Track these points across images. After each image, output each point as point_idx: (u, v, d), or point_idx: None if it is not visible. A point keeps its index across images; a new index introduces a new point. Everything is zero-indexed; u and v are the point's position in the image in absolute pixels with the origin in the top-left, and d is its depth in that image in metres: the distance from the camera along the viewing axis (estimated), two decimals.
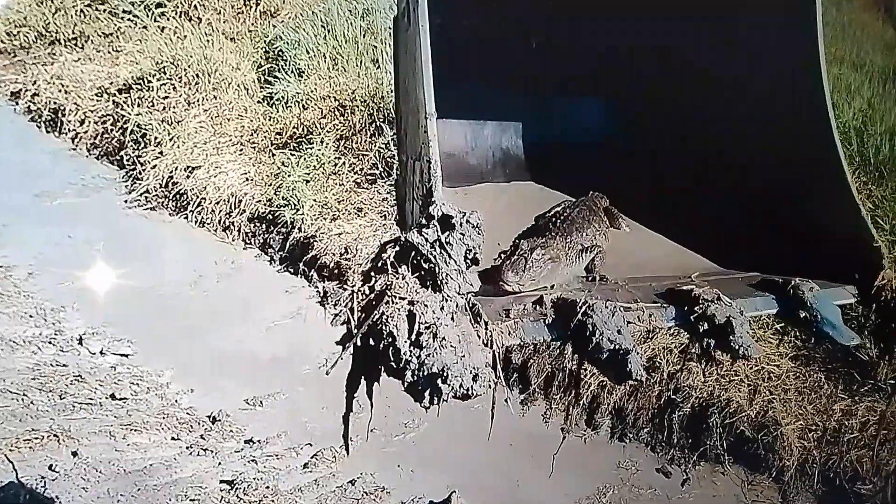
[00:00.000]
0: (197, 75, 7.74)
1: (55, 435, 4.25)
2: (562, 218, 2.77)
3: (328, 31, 7.97)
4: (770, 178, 2.63)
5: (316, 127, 7.09)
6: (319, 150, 6.81)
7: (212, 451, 4.35)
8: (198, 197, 6.92)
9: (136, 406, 4.70)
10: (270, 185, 6.84)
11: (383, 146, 6.68)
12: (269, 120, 7.44)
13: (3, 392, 4.58)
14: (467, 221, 1.76)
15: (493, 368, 1.69)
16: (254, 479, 4.14)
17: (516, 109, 3.35)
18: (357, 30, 7.87)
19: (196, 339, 5.50)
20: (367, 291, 1.71)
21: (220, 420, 4.64)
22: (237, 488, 4.03)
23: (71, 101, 8.00)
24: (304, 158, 6.80)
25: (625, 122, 3.31)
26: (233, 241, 6.79)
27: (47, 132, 8.06)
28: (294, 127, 7.23)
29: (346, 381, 1.76)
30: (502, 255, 2.40)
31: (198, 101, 7.62)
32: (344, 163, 6.77)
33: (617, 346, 1.76)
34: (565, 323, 1.87)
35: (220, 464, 4.27)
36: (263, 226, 6.74)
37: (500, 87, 3.23)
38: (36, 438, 4.21)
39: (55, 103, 8.08)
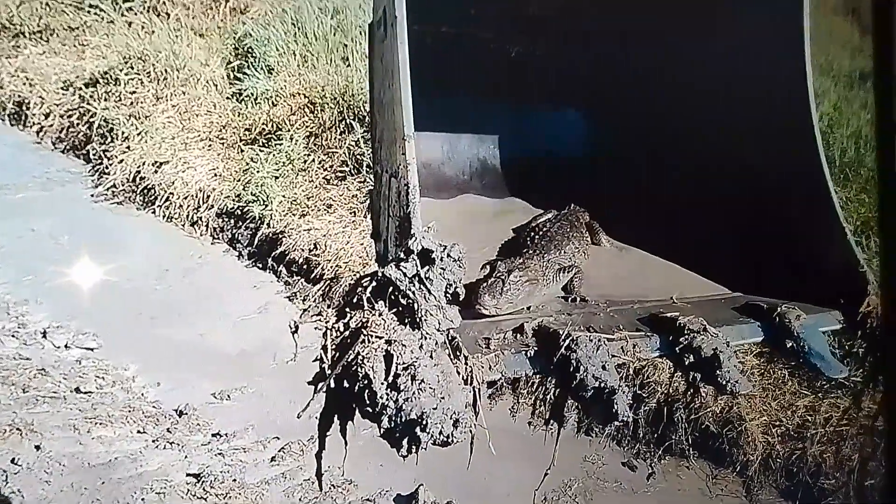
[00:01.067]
0: (165, 70, 7.63)
1: (18, 429, 4.15)
2: (540, 234, 2.71)
3: (298, 28, 7.92)
4: (754, 196, 2.56)
5: (285, 123, 7.04)
6: (289, 146, 6.77)
7: (178, 445, 4.29)
8: (166, 192, 6.83)
9: (101, 399, 4.62)
10: (239, 180, 6.78)
11: (353, 143, 6.66)
12: (239, 116, 7.37)
13: None
14: (448, 255, 1.67)
15: (473, 405, 1.62)
16: (221, 472, 4.09)
17: (494, 121, 3.29)
18: (327, 28, 7.84)
19: (162, 334, 5.43)
20: (342, 328, 1.62)
21: (186, 413, 4.58)
22: (204, 481, 3.98)
23: (36, 95, 7.83)
24: (274, 155, 6.75)
25: (605, 135, 3.26)
26: (201, 235, 6.72)
27: (11, 125, 7.86)
28: (263, 123, 7.17)
29: (318, 420, 1.68)
30: (480, 276, 2.32)
31: (166, 96, 7.51)
32: (313, 159, 6.73)
33: (602, 384, 1.69)
34: (548, 356, 1.79)
35: (186, 457, 4.22)
36: (232, 221, 6.69)
37: (478, 98, 3.16)
38: None
39: (19, 96, 7.90)
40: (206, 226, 6.70)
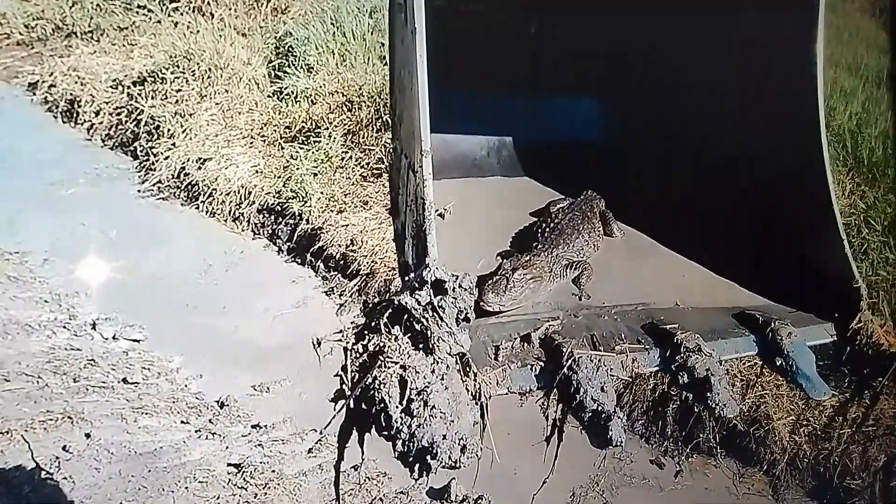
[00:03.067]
0: (209, 69, 7.70)
1: (69, 417, 4.27)
2: (551, 226, 2.70)
3: (337, 27, 7.93)
4: (759, 197, 2.56)
5: (324, 121, 7.06)
6: (327, 144, 6.80)
7: (219, 436, 4.37)
8: (209, 188, 6.91)
9: (147, 390, 4.72)
10: (279, 177, 6.83)
11: (389, 141, 6.66)
12: (279, 114, 7.41)
13: (19, 375, 4.60)
14: (460, 286, 1.73)
15: (481, 418, 1.71)
16: (260, 463, 4.16)
17: (511, 105, 3.28)
18: (365, 27, 7.84)
19: (205, 326, 5.51)
20: (361, 350, 1.70)
21: (227, 405, 4.66)
22: (244, 472, 4.05)
23: (87, 93, 7.97)
24: (313, 152, 6.78)
25: (620, 122, 3.24)
26: (242, 231, 6.78)
27: (63, 122, 8.03)
28: (303, 121, 7.20)
29: (338, 431, 1.76)
30: (499, 265, 2.35)
31: (210, 94, 7.58)
32: (351, 157, 6.75)
33: (599, 408, 1.74)
34: (552, 373, 1.85)
35: (227, 448, 4.29)
36: (272, 217, 6.74)
37: (496, 82, 3.14)
38: (50, 420, 4.23)
39: (71, 94, 8.05)
40: (248, 221, 6.76)
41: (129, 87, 7.87)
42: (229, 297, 5.91)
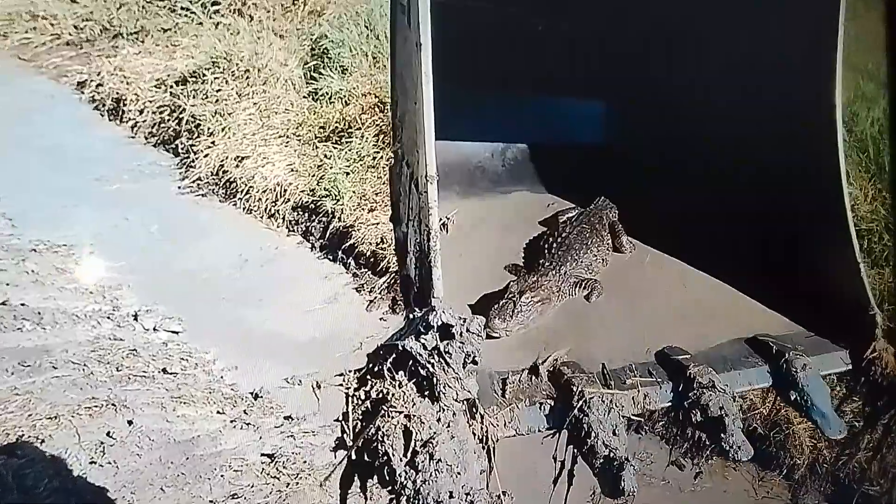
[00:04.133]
0: (248, 70, 7.83)
1: (112, 404, 4.41)
2: (559, 242, 2.58)
3: (370, 30, 8.00)
4: (775, 212, 2.41)
5: (356, 122, 7.14)
6: (359, 144, 6.88)
7: (253, 426, 4.47)
8: (246, 185, 7.03)
9: (185, 380, 4.84)
10: (313, 175, 6.93)
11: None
12: (314, 114, 7.50)
13: (66, 362, 4.75)
14: (468, 330, 1.61)
15: (488, 462, 1.63)
16: (292, 453, 4.25)
17: (515, 109, 3.13)
18: None
19: (240, 320, 5.63)
20: (363, 396, 1.60)
21: (261, 397, 4.76)
22: (277, 462, 4.14)
23: (132, 92, 8.15)
24: (345, 152, 6.87)
25: (626, 127, 3.09)
26: (277, 227, 6.89)
27: (110, 120, 8.23)
28: (336, 122, 7.29)
29: (339, 479, 1.66)
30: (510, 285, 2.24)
31: (248, 94, 7.71)
32: (382, 157, 6.81)
33: (612, 454, 1.65)
34: (562, 413, 1.76)
35: (260, 438, 4.39)
36: (306, 214, 6.84)
37: (500, 84, 2.99)
38: (95, 406, 4.37)
39: (117, 93, 8.25)
40: (283, 218, 6.87)
41: (171, 87, 8.03)
42: (263, 292, 6.02)
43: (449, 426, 1.56)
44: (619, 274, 2.58)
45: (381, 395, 1.57)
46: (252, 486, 4.00)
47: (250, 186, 7.02)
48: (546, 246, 2.59)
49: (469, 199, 2.91)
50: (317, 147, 7.17)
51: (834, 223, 2.12)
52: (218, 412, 4.58)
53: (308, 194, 6.84)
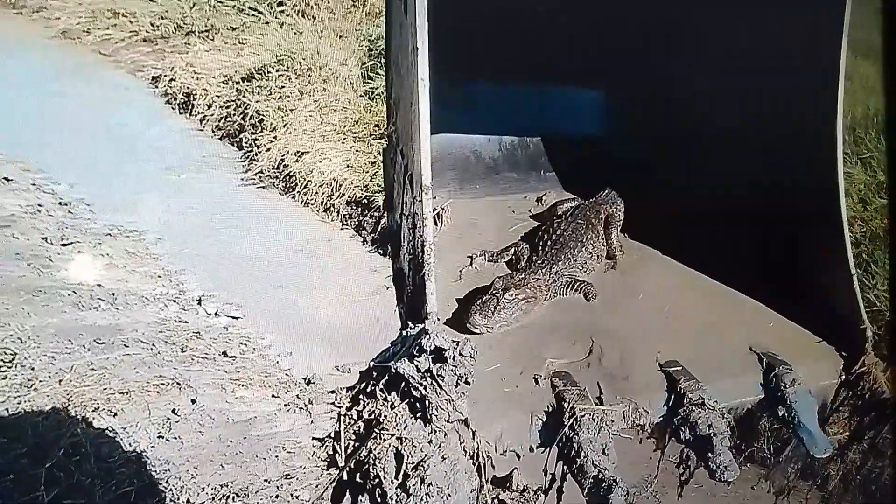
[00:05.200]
0: (309, 68, 8.04)
1: (178, 383, 4.60)
2: (553, 238, 2.49)
3: None
4: (771, 221, 2.35)
5: None
6: None
7: (306, 411, 4.62)
8: (304, 179, 7.24)
9: (244, 364, 5.03)
10: (367, 172, 7.08)
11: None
12: (369, 113, 7.65)
13: (136, 342, 4.99)
14: (460, 353, 1.59)
15: (479, 477, 1.61)
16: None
17: (516, 100, 3.03)
18: None
19: (294, 307, 5.80)
20: (356, 416, 1.60)
21: (313, 382, 4.90)
22: (327, 446, 4.27)
23: (201, 87, 8.47)
24: None
25: (628, 120, 2.97)
26: (332, 220, 7.08)
27: (180, 113, 8.55)
28: None
29: (330, 495, 1.65)
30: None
31: (309, 91, 7.91)
32: None
33: (601, 475, 1.63)
34: (553, 429, 1.73)
35: (312, 422, 4.53)
36: (359, 209, 7.00)
37: (500, 74, 2.88)
38: (162, 384, 4.58)
39: (188, 88, 8.57)
40: (338, 212, 7.05)
41: (238, 83, 8.32)
42: (317, 281, 6.20)
43: (440, 447, 1.56)
44: (621, 279, 2.53)
45: (373, 416, 1.57)
46: (304, 468, 4.15)
47: (308, 180, 7.22)
48: (539, 242, 2.51)
49: (464, 188, 2.85)
50: (371, 145, 7.31)
51: (831, 229, 2.07)
52: (273, 395, 4.75)
53: (362, 190, 6.99)
